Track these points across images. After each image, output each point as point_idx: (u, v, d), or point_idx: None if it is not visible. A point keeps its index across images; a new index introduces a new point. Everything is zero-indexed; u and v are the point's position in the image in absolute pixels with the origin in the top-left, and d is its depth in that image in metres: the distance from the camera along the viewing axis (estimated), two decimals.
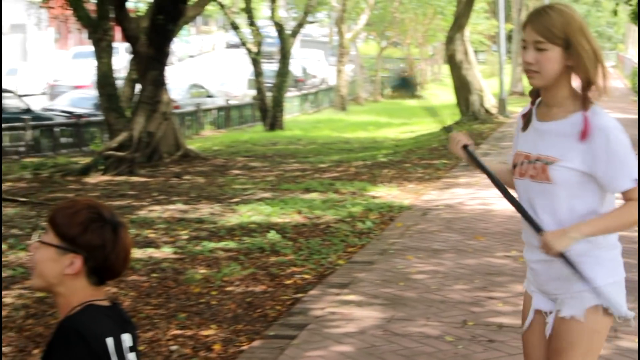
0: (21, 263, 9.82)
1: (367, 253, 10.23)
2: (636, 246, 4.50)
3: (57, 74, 46.18)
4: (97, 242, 2.97)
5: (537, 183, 3.79)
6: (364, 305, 8.01)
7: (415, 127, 33.32)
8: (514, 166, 3.91)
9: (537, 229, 3.76)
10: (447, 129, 4.16)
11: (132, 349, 3.03)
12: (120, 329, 3.01)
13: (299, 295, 8.55)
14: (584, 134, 3.70)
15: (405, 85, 3.90)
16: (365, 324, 7.44)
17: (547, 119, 3.82)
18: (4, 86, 32.24)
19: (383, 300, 8.08)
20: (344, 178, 16.98)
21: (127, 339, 3.02)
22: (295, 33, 36.02)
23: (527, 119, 3.93)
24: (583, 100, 3.75)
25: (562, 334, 3.82)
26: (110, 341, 2.94)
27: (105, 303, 3.05)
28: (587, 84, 3.73)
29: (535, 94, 3.92)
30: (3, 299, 8.38)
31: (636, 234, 7.92)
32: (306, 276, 9.33)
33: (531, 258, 3.93)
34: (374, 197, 14.33)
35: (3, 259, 10.15)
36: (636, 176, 3.67)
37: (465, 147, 4.02)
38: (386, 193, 14.77)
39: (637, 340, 6.52)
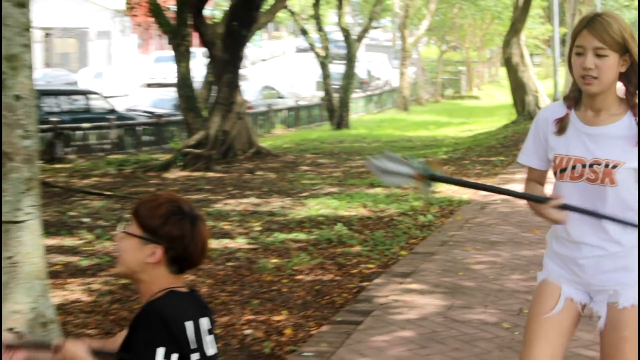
0: (107, 252, 9.93)
1: (429, 244, 10.19)
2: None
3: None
4: (176, 234, 3.00)
5: (598, 186, 3.69)
6: (425, 293, 7.98)
7: (473, 127, 33.12)
8: (563, 170, 3.76)
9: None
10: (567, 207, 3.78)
11: (210, 332, 3.05)
12: (199, 314, 3.03)
13: (365, 283, 8.54)
14: None
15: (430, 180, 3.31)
16: (427, 311, 7.41)
17: (597, 124, 3.71)
18: (91, 88, 32.66)
19: (443, 289, 8.04)
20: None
21: (205, 322, 3.04)
22: (360, 38, 35.96)
23: (563, 123, 3.78)
24: (632, 105, 3.68)
25: (627, 323, 3.70)
26: (189, 325, 2.97)
27: (184, 290, 3.08)
28: (635, 88, 3.67)
29: (572, 99, 3.79)
30: (90, 285, 8.49)
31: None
32: (371, 266, 9.31)
33: (579, 255, 3.78)
34: (434, 192, 14.26)
35: (90, 249, 10.28)
36: None
37: (564, 206, 3.73)
38: (446, 188, 14.67)
39: None
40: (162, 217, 3.00)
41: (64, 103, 25.94)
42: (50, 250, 9.65)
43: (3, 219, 5.00)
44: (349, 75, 34.00)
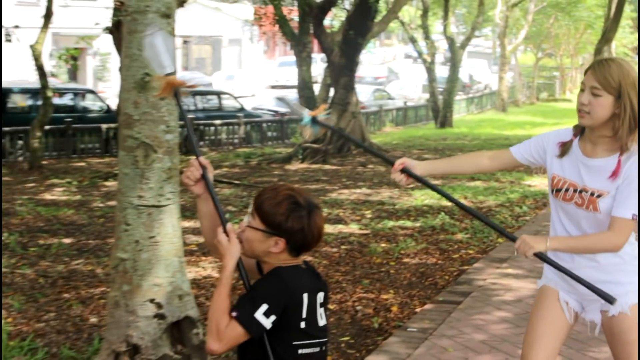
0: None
1: (524, 233, 10.03)
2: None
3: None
4: (297, 228, 3.04)
5: (583, 210, 3.69)
6: (520, 277, 7.89)
7: (567, 126, 32.45)
8: (558, 190, 3.77)
9: (511, 237, 3.63)
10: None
11: (322, 305, 3.08)
12: (316, 288, 3.07)
13: (465, 267, 8.48)
14: (614, 174, 3.62)
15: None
16: (521, 294, 7.32)
17: (593, 156, 3.69)
18: (223, 89, 33.05)
19: (537, 274, 7.91)
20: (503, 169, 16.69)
21: (320, 296, 3.08)
22: (463, 45, 35.57)
23: (565, 147, 3.79)
24: (619, 146, 3.62)
25: (626, 328, 3.70)
26: (306, 296, 3.01)
27: (304, 267, 3.12)
28: (620, 131, 3.59)
29: (580, 128, 3.77)
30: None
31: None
32: (470, 252, 9.24)
33: (572, 265, 3.72)
34: (529, 186, 14.07)
35: None
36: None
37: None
38: (540, 182, 14.47)
39: None
40: (284, 215, 3.03)
41: (200, 102, 26.32)
42: (186, 231, 9.83)
43: (147, 203, 5.12)
44: (453, 79, 33.71)
